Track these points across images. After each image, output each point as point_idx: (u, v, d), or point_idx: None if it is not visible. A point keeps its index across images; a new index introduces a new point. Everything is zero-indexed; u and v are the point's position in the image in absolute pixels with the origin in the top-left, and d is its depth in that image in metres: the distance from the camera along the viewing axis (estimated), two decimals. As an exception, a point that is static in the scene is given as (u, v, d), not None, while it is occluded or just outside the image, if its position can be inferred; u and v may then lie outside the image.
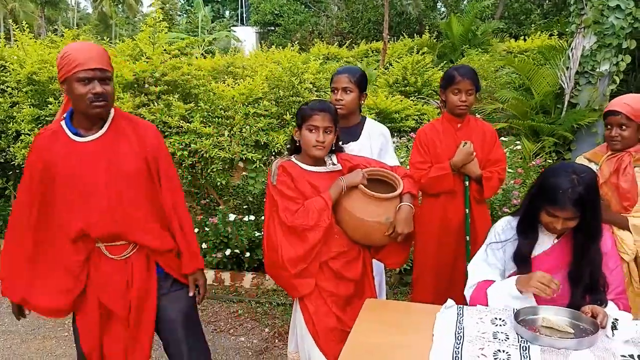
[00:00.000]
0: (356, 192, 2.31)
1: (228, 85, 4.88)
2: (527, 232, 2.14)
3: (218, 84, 4.86)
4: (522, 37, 13.75)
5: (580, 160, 2.72)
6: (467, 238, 2.95)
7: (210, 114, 4.38)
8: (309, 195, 2.31)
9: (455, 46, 12.82)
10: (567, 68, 6.12)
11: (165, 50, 4.65)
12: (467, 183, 2.94)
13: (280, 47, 10.50)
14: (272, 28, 23.53)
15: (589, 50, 6.01)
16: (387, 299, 3.49)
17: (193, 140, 4.16)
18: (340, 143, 2.50)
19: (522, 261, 2.13)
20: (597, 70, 6.02)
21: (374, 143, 2.94)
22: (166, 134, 4.18)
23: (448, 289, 2.90)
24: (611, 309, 2.04)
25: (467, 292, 2.24)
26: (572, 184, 1.93)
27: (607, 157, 2.54)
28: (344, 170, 2.41)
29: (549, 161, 5.62)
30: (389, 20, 12.95)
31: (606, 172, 2.52)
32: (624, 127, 2.45)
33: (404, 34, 16.25)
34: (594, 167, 2.59)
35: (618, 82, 6.00)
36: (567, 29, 6.46)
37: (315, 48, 13.91)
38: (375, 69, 9.61)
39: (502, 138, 5.71)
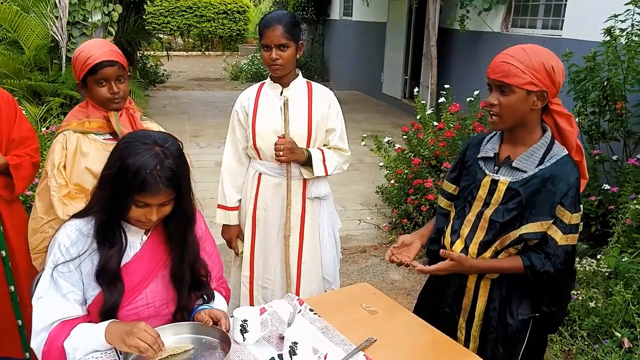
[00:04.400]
0: None
1: None
2: (110, 237, 1.56)
3: None
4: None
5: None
6: (3, 253, 2.10)
7: None
8: None
9: None
10: (57, 18, 5.39)
11: None
12: (-14, 179, 2.05)
13: None
14: None
15: (77, -3, 5.44)
16: None
17: None
18: None
19: (111, 279, 1.55)
20: (90, 20, 5.55)
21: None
22: None
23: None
24: (219, 303, 1.75)
25: (36, 343, 1.52)
26: (159, 159, 1.46)
27: (119, 116, 2.14)
28: None
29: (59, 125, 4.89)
30: None
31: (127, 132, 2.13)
32: (121, 78, 2.07)
33: None
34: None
35: (114, 33, 5.69)
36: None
37: None
38: None
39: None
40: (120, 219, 1.57)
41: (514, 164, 1.71)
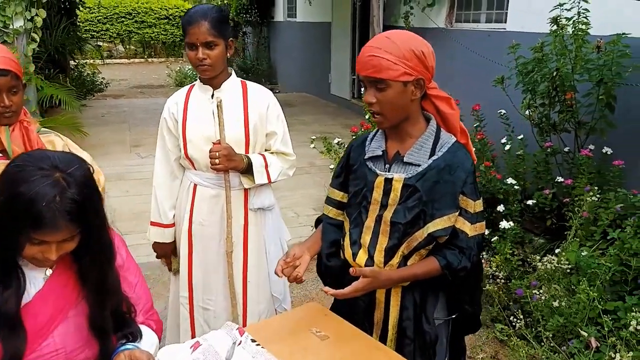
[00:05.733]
0: None
1: None
2: (3, 276, 1.28)
3: None
4: None
5: None
6: None
7: None
8: None
9: None
10: (-25, 24, 4.96)
11: None
12: None
13: None
14: None
15: (-5, 2, 5.02)
16: None
17: None
18: None
19: (9, 326, 1.28)
20: (11, 27, 5.13)
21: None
22: None
23: None
24: (147, 341, 1.50)
25: None
26: (59, 188, 1.20)
27: (11, 131, 1.86)
28: None
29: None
30: None
31: (19, 150, 1.85)
32: (14, 90, 1.80)
33: None
34: None
35: (38, 39, 5.29)
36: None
37: None
38: None
39: None
40: (15, 254, 1.30)
41: (405, 159, 1.59)
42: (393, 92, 1.50)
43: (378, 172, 1.62)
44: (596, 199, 3.10)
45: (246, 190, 2.20)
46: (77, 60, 10.28)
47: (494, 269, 3.12)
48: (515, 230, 3.36)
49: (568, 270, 2.86)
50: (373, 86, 1.52)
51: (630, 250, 2.81)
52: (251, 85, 2.23)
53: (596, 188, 3.15)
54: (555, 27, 3.51)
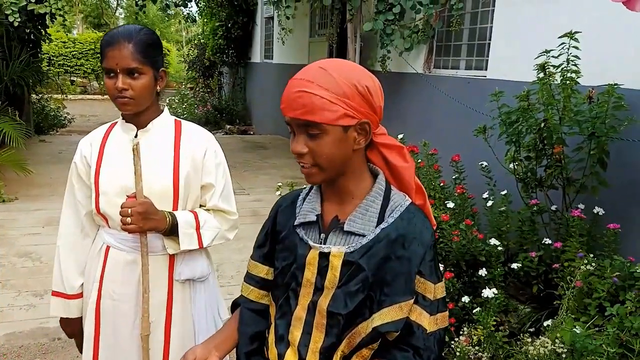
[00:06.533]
0: None
1: None
2: None
3: None
4: None
5: None
6: None
7: None
8: None
9: None
10: None
11: None
12: None
13: None
14: None
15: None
16: None
17: None
18: None
19: None
20: (-48, 53, 4.70)
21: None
22: None
23: None
24: None
25: None
26: None
27: None
28: None
29: None
30: None
31: None
32: None
33: None
34: None
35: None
36: None
37: None
38: None
39: None
40: None
41: (346, 227, 1.20)
42: (330, 139, 1.13)
43: (311, 243, 1.23)
44: (591, 268, 2.73)
45: (172, 257, 1.75)
46: (39, 95, 9.80)
47: (476, 348, 2.68)
48: (499, 299, 2.96)
49: (563, 355, 2.44)
50: (303, 132, 1.14)
51: (632, 330, 2.42)
52: (187, 126, 1.82)
53: (591, 256, 2.78)
54: (542, 75, 3.21)
